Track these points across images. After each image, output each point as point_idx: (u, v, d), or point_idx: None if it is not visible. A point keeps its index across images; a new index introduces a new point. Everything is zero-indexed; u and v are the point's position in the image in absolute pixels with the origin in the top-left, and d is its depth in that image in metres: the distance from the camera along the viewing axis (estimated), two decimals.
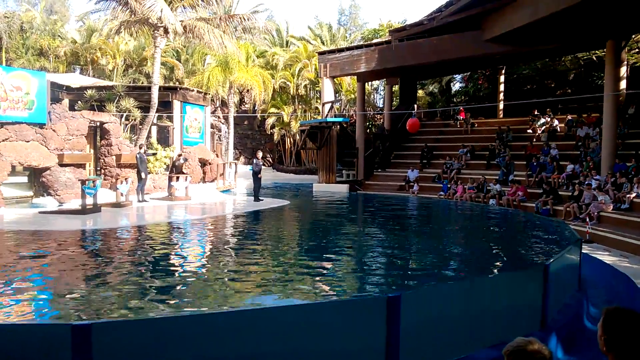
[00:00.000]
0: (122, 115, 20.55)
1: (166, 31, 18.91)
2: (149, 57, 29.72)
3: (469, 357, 3.95)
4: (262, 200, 15.93)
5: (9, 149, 13.07)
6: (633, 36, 18.62)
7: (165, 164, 19.32)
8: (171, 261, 7.86)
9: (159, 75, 20.24)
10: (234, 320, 3.17)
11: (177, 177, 16.25)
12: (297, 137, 31.25)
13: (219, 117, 33.10)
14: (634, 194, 11.62)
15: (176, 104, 21.29)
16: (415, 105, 25.41)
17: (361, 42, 28.42)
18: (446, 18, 17.56)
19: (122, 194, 14.28)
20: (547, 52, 21.04)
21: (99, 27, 34.25)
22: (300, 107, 33.48)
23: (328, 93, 22.63)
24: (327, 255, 8.09)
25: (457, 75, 31.17)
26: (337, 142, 21.47)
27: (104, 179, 16.14)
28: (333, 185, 21.11)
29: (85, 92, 20.73)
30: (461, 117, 23.40)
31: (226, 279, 6.49)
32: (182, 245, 9.50)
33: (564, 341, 4.65)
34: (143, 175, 15.10)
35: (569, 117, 18.92)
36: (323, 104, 22.85)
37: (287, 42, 37.70)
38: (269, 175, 28.15)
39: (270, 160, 35.51)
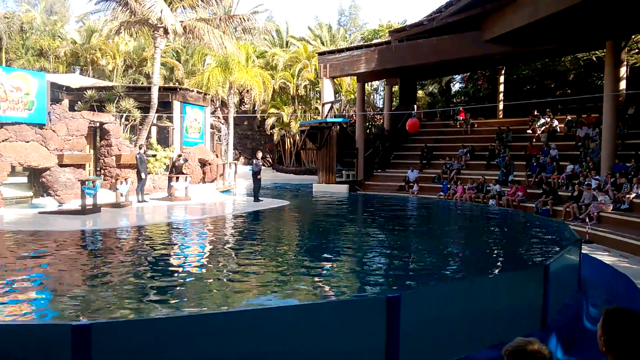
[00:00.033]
0: (122, 116, 20.55)
1: (166, 32, 18.91)
2: (149, 57, 29.72)
3: (469, 357, 3.95)
4: (262, 200, 15.93)
5: (8, 150, 13.07)
6: (633, 37, 18.63)
7: (165, 164, 19.33)
8: (171, 261, 7.86)
9: (158, 75, 20.24)
10: (234, 320, 3.17)
11: (177, 178, 16.26)
12: (297, 137, 31.25)
13: (218, 118, 33.10)
14: (633, 195, 11.62)
15: (176, 105, 21.30)
16: (415, 106, 25.42)
17: (361, 43, 28.45)
18: (446, 18, 17.57)
19: (121, 195, 14.28)
20: (547, 53, 21.06)
21: (99, 28, 34.26)
22: (300, 107, 33.49)
23: (328, 93, 22.64)
24: (327, 256, 8.09)
25: (456, 76, 31.19)
26: (336, 143, 21.48)
27: (104, 180, 16.14)
28: (333, 186, 21.12)
29: (85, 92, 20.74)
30: (461, 118, 23.41)
31: (226, 279, 6.49)
32: (181, 245, 9.50)
33: (564, 341, 4.65)
34: (143, 175, 15.10)
35: (569, 117, 18.93)
36: (323, 105, 22.86)
37: (287, 42, 37.71)
38: (268, 176, 28.16)
39: (270, 160, 35.51)
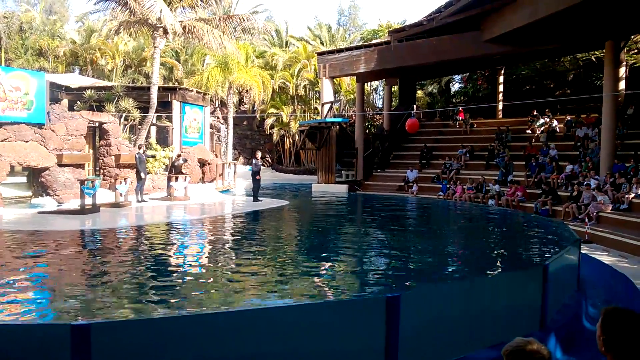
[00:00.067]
0: (121, 116, 20.54)
1: (165, 32, 18.90)
2: (148, 57, 29.70)
3: (469, 357, 3.95)
4: (261, 200, 15.93)
5: (7, 149, 13.06)
6: (632, 37, 18.63)
7: (164, 164, 19.32)
8: (170, 261, 7.86)
9: (158, 75, 20.23)
10: (234, 320, 3.17)
11: (176, 178, 16.25)
12: (297, 137, 31.22)
13: (218, 118, 33.09)
14: (632, 195, 11.63)
15: (175, 104, 21.29)
16: (415, 106, 25.41)
17: (360, 43, 28.47)
18: (445, 19, 17.57)
19: (121, 194, 14.27)
20: (547, 53, 21.07)
21: (99, 28, 34.24)
22: (299, 107, 33.48)
23: (327, 93, 22.64)
24: (327, 255, 8.09)
25: (456, 76, 31.20)
26: (336, 143, 21.48)
27: (103, 179, 16.14)
28: (332, 186, 21.12)
29: (84, 92, 20.72)
30: (460, 118, 23.42)
31: (226, 279, 6.49)
32: (181, 245, 9.50)
33: (563, 341, 4.65)
34: (142, 175, 15.09)
35: (568, 117, 18.94)
36: (322, 105, 22.86)
37: (286, 42, 37.71)
38: (268, 176, 28.16)
39: (270, 160, 35.50)
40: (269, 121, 33.00)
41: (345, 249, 8.91)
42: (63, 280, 6.27)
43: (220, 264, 7.45)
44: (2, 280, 6.02)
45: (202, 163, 20.97)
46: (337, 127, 21.56)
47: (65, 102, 20.37)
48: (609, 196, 12.12)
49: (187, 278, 6.59)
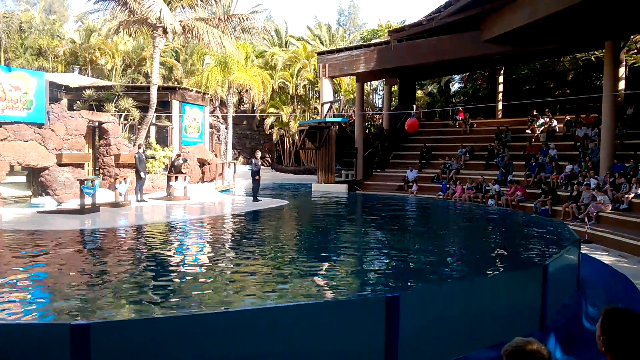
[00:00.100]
0: (120, 115, 20.53)
1: (165, 31, 18.89)
2: (148, 57, 29.67)
3: (469, 357, 3.95)
4: (261, 200, 15.92)
5: (7, 149, 13.05)
6: (632, 37, 18.64)
7: (164, 163, 19.31)
8: (170, 261, 7.86)
9: (157, 75, 20.23)
10: (233, 320, 3.17)
11: (176, 177, 16.25)
12: (296, 137, 31.21)
13: (217, 117, 33.09)
14: (632, 195, 11.64)
15: (175, 104, 21.29)
16: (414, 106, 25.43)
17: (360, 43, 28.46)
18: (445, 18, 17.57)
19: (120, 194, 14.27)
20: (546, 53, 21.07)
21: (98, 27, 34.24)
22: (299, 107, 33.48)
23: (327, 93, 22.63)
24: (326, 255, 8.09)
25: (456, 76, 31.20)
26: (336, 142, 21.48)
27: (103, 179, 16.14)
28: (332, 186, 21.11)
29: (84, 92, 20.71)
30: (460, 118, 23.42)
31: (226, 279, 6.49)
32: (180, 245, 9.50)
33: (563, 341, 4.65)
34: (142, 175, 15.09)
35: (568, 117, 18.95)
36: (322, 104, 22.85)
37: (286, 42, 37.71)
38: (267, 175, 28.15)
39: (269, 160, 35.50)
40: (269, 121, 33.00)
41: (345, 248, 8.91)
42: (63, 280, 6.26)
43: (219, 264, 7.45)
44: (2, 280, 6.02)
45: (202, 163, 20.96)
46: (337, 126, 21.56)
47: (64, 101, 20.36)
48: (608, 196, 12.12)
49: (187, 278, 6.58)
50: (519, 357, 1.85)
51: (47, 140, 14.28)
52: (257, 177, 15.91)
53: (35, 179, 14.07)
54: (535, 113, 20.17)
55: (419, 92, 31.23)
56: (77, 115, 15.94)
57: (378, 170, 22.80)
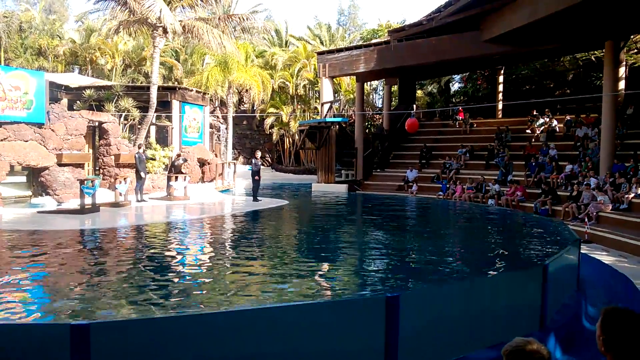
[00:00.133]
0: (120, 115, 20.53)
1: (165, 31, 18.90)
2: (148, 57, 29.67)
3: (469, 357, 3.95)
4: (261, 200, 15.93)
5: (7, 149, 13.05)
6: (632, 37, 18.64)
7: (164, 163, 19.32)
8: (170, 261, 7.86)
9: (157, 75, 20.23)
10: (233, 320, 3.17)
11: (176, 177, 16.25)
12: (296, 137, 31.21)
13: (217, 117, 33.09)
14: (632, 195, 11.64)
15: (175, 104, 21.29)
16: (414, 106, 25.43)
17: (360, 43, 28.45)
18: (445, 18, 17.57)
19: (120, 194, 14.27)
20: (546, 53, 21.07)
21: (98, 27, 34.22)
22: (299, 107, 33.48)
23: (327, 93, 22.64)
24: (326, 255, 8.09)
25: (456, 76, 31.20)
26: (336, 142, 21.48)
27: (103, 179, 16.14)
28: (332, 185, 21.12)
29: (84, 91, 20.71)
30: (460, 118, 23.42)
31: (225, 279, 6.49)
32: (180, 245, 9.50)
33: (563, 341, 4.65)
34: (142, 175, 15.09)
35: (568, 117, 18.95)
36: (322, 104, 22.85)
37: (286, 42, 37.70)
38: (267, 175, 28.16)
39: (269, 160, 35.50)
40: (269, 121, 32.99)
41: (345, 248, 8.91)
42: (63, 279, 6.26)
43: (219, 264, 7.45)
44: (2, 280, 6.02)
45: (202, 163, 20.96)
46: (337, 126, 21.56)
47: (64, 101, 20.36)
48: (608, 196, 12.12)
49: (187, 278, 6.59)
50: (519, 357, 1.85)
51: (47, 140, 14.28)
52: (257, 177, 15.91)
53: (35, 179, 14.08)
54: (535, 113, 20.17)
55: (419, 92, 31.23)
56: (77, 115, 15.94)
57: (378, 170, 22.80)
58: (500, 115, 24.18)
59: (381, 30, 32.16)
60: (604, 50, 15.55)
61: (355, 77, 24.54)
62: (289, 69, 32.93)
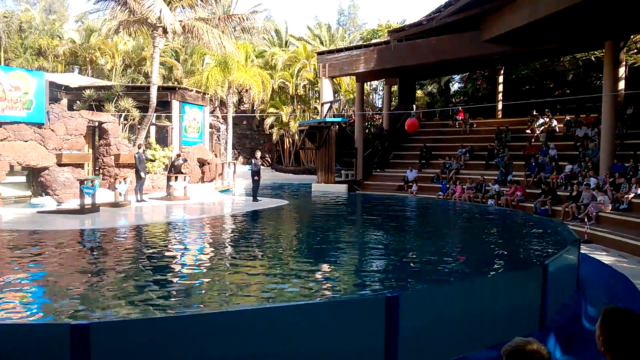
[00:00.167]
0: (120, 115, 20.53)
1: (165, 31, 18.90)
2: (148, 57, 29.67)
3: (469, 357, 3.95)
4: (261, 200, 15.93)
5: (7, 149, 13.05)
6: (632, 37, 18.64)
7: (164, 163, 19.32)
8: (170, 261, 7.86)
9: (157, 75, 20.23)
10: (233, 320, 3.17)
11: (176, 177, 16.25)
12: (296, 137, 31.21)
13: (217, 117, 33.09)
14: (632, 195, 11.64)
15: (175, 104, 21.29)
16: (414, 106, 25.42)
17: (360, 43, 28.46)
18: (445, 18, 17.57)
19: (120, 194, 14.27)
20: (546, 53, 21.07)
21: (98, 27, 34.22)
22: (299, 107, 33.48)
23: (327, 93, 22.64)
24: (326, 256, 8.09)
25: (455, 76, 31.20)
26: (335, 142, 21.48)
27: (103, 179, 16.14)
28: (332, 186, 21.12)
29: (83, 92, 20.71)
30: (460, 118, 23.42)
31: (225, 279, 6.49)
32: (180, 245, 9.49)
33: (563, 341, 4.65)
34: (142, 175, 15.09)
35: (568, 117, 18.95)
36: (322, 104, 22.85)
37: (286, 42, 37.70)
38: (267, 175, 28.16)
39: (269, 160, 35.50)
40: (269, 121, 33.00)
41: (345, 249, 8.91)
42: (62, 279, 6.26)
43: (219, 264, 7.45)
44: (2, 280, 6.01)
45: (202, 163, 20.96)
46: (337, 126, 21.56)
47: (64, 101, 20.36)
48: (608, 196, 12.12)
49: (187, 278, 6.59)
50: (519, 357, 1.85)
51: (47, 140, 14.28)
52: (256, 177, 15.91)
53: (35, 179, 14.07)
54: (535, 113, 20.17)
55: (419, 92, 31.24)
56: (77, 115, 15.94)
57: (378, 170, 22.80)
58: (500, 116, 24.18)
59: (381, 30, 32.16)
60: (603, 50, 15.55)
61: (355, 77, 24.54)
62: (289, 69, 32.93)
